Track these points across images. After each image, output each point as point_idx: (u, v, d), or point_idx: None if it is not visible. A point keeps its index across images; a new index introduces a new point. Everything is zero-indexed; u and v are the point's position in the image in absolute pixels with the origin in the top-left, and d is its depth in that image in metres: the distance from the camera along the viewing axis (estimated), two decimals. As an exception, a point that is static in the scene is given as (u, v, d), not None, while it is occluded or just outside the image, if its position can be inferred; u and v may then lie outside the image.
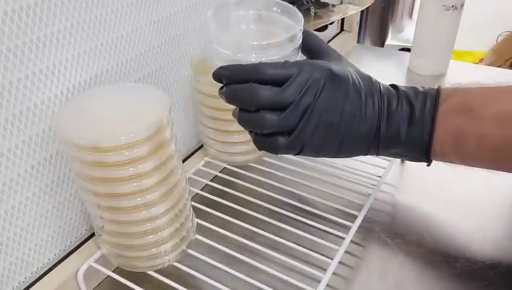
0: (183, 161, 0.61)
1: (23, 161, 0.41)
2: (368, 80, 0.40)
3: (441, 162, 0.42)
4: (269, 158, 0.60)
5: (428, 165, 0.42)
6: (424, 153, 0.39)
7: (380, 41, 1.28)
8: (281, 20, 0.43)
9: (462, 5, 0.79)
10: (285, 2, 0.43)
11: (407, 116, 0.38)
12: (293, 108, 0.36)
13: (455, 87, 0.40)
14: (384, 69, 0.92)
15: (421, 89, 0.40)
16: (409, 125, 0.38)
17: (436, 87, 0.41)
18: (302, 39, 0.41)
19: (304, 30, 0.42)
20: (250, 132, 0.41)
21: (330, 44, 0.92)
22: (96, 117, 0.41)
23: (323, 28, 0.62)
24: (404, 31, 1.34)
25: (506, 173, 0.40)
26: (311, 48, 0.42)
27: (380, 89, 0.39)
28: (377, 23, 1.25)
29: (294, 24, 0.41)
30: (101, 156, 0.37)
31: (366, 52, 1.01)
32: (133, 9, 0.48)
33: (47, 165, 0.44)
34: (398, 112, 0.38)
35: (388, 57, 0.98)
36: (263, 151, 0.58)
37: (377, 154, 0.41)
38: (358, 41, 1.04)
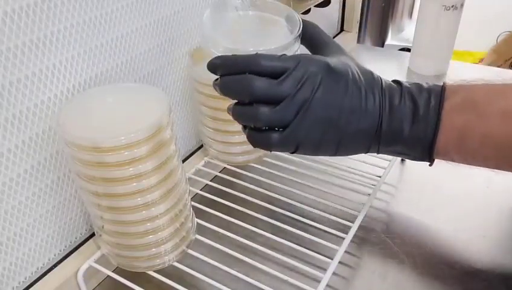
0: (183, 161, 0.61)
1: (23, 161, 0.41)
2: (369, 74, 0.39)
3: (442, 162, 0.42)
4: (269, 158, 0.60)
5: (430, 165, 0.40)
6: (427, 152, 0.38)
7: (380, 41, 1.28)
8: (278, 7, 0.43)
9: (462, 5, 0.79)
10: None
11: (411, 112, 0.37)
12: (289, 102, 0.35)
13: (460, 84, 0.39)
14: (384, 69, 0.92)
15: (425, 85, 0.39)
16: (413, 122, 0.37)
17: (441, 84, 0.40)
18: (303, 30, 0.41)
19: (305, 21, 0.41)
20: (244, 128, 0.40)
21: (330, 44, 0.92)
22: (96, 117, 0.41)
23: (324, 3, 0.57)
24: (404, 31, 1.34)
25: (507, 172, 0.39)
26: (311, 39, 0.41)
27: (382, 85, 0.38)
28: (377, 23, 1.25)
29: (292, 12, 0.41)
30: (101, 156, 0.37)
31: (366, 52, 1.01)
32: (133, 9, 0.48)
33: (47, 165, 0.44)
34: (400, 108, 0.37)
35: (388, 57, 0.98)
36: (264, 152, 0.59)
37: (378, 152, 0.40)
38: (358, 41, 1.04)
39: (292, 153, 0.39)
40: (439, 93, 0.38)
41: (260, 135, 0.38)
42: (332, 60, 0.38)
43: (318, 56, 0.38)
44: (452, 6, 0.78)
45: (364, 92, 0.37)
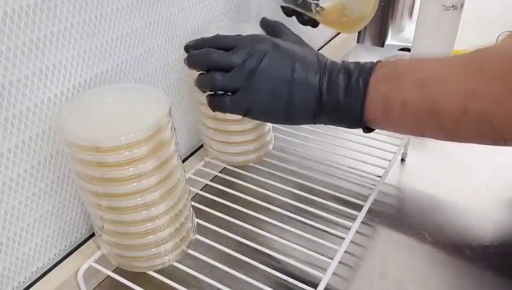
0: (183, 161, 0.61)
1: (23, 161, 0.41)
2: (315, 55, 0.44)
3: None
4: (269, 158, 0.60)
5: (365, 132, 0.44)
6: (358, 119, 0.42)
7: (380, 41, 1.28)
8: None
9: (462, 5, 0.79)
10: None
11: (344, 85, 0.42)
12: (238, 69, 0.42)
13: (389, 60, 0.43)
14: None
15: (362, 63, 0.43)
16: (345, 92, 0.41)
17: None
18: (271, 26, 0.50)
19: (273, 20, 0.50)
20: (207, 96, 0.46)
21: (330, 44, 0.93)
22: (96, 117, 0.41)
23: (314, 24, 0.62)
24: (404, 31, 1.34)
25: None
26: (276, 31, 0.49)
27: (325, 63, 0.43)
28: (376, 23, 1.25)
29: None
30: (101, 156, 0.37)
31: (366, 52, 1.01)
32: (133, 9, 0.48)
33: (47, 165, 0.44)
34: (337, 81, 0.42)
35: (388, 57, 0.98)
36: (263, 152, 0.59)
37: (323, 122, 0.44)
38: (358, 41, 1.04)
39: (244, 116, 0.44)
40: (369, 68, 0.42)
41: (216, 99, 0.44)
42: (282, 41, 0.44)
43: (269, 36, 0.45)
44: (452, 6, 0.78)
45: (307, 68, 0.42)
